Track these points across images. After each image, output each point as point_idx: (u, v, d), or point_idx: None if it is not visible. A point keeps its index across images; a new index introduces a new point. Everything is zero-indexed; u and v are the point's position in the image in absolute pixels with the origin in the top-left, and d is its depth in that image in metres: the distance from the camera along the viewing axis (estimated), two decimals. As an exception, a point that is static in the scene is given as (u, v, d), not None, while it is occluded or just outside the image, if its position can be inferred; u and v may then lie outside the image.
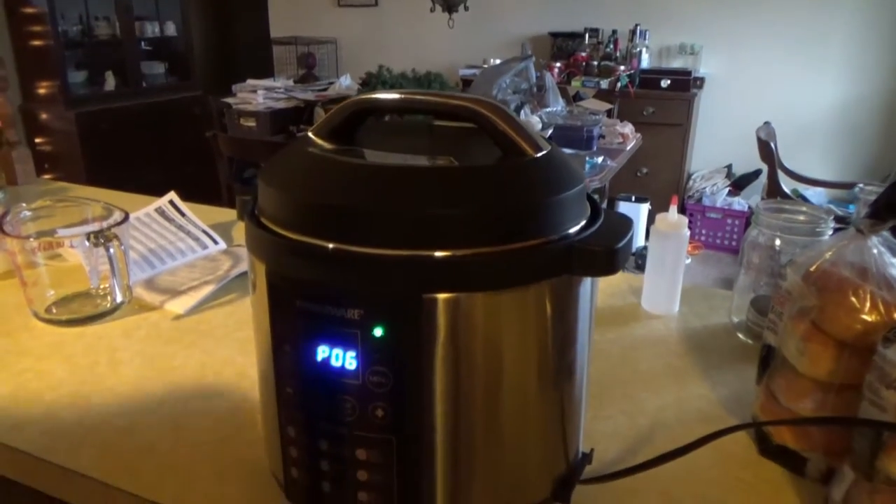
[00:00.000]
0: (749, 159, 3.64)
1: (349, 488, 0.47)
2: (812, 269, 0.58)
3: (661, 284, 0.90)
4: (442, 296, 0.42)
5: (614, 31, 3.95)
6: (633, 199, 3.25)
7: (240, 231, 1.15)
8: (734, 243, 3.66)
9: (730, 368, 0.77)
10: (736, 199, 3.79)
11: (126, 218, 0.88)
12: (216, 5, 5.38)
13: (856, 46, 3.59)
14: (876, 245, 0.55)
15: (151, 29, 4.36)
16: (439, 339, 0.43)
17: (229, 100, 3.18)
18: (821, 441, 0.58)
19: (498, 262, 0.43)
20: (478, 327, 0.44)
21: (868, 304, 0.53)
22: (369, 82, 2.74)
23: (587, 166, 2.36)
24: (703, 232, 3.74)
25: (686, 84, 3.69)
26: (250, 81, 3.24)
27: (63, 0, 3.76)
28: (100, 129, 3.76)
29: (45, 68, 3.72)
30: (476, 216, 0.42)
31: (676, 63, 3.96)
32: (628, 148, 2.82)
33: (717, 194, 3.82)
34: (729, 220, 3.69)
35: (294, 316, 0.43)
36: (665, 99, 3.71)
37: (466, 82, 3.89)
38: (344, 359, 0.43)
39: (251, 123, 3.04)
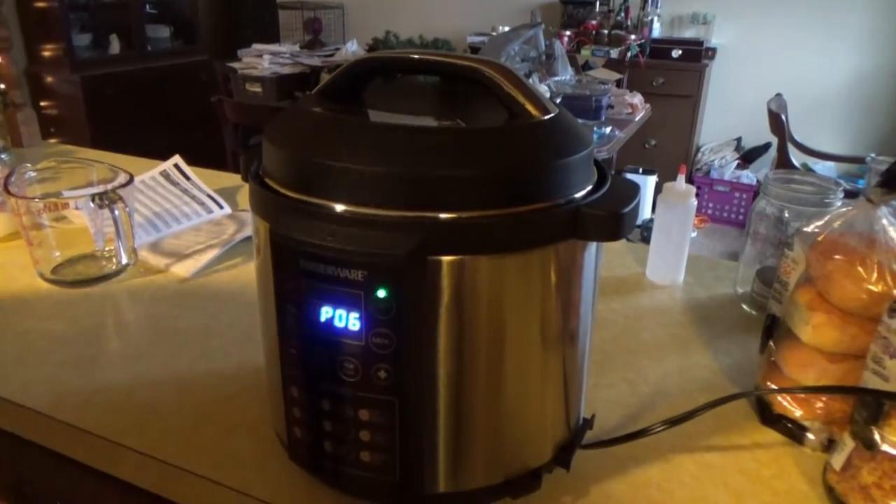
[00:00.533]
0: (759, 132, 3.60)
1: (351, 448, 0.47)
2: (820, 238, 0.58)
3: (666, 254, 0.89)
4: (446, 258, 0.42)
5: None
6: (641, 171, 3.22)
7: (244, 196, 1.15)
8: (741, 217, 3.64)
9: (733, 339, 0.77)
10: (744, 172, 3.76)
11: (131, 180, 0.88)
12: (222, -32, 5.29)
13: (873, 17, 3.51)
14: (885, 215, 0.55)
15: (156, -9, 4.30)
16: (443, 302, 0.43)
17: (235, 65, 3.15)
18: (822, 410, 0.58)
19: (503, 225, 0.42)
20: (481, 291, 0.44)
21: (875, 275, 0.53)
22: (376, 48, 2.71)
23: (595, 136, 2.34)
24: (711, 205, 3.71)
25: (697, 54, 3.63)
26: (256, 46, 3.21)
27: (67, -39, 3.71)
28: (105, 93, 3.74)
29: (49, 31, 3.68)
30: (482, 178, 0.42)
31: (688, 33, 3.88)
32: (637, 119, 2.79)
33: (726, 167, 3.78)
34: (737, 194, 3.66)
35: (297, 276, 0.43)
36: (676, 69, 3.65)
37: (474, 50, 3.83)
38: (347, 320, 0.43)
39: (257, 89, 3.01)
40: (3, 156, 1.17)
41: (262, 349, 0.55)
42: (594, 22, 3.87)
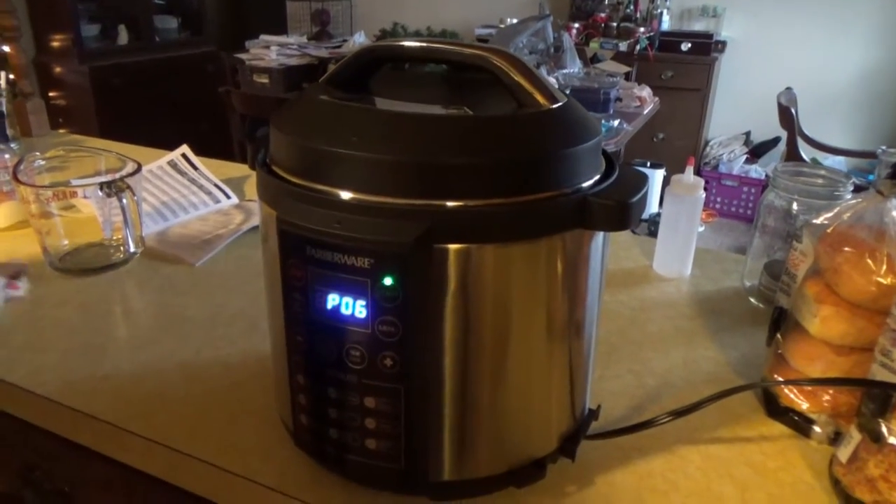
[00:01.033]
0: (768, 127, 3.57)
1: (357, 436, 0.47)
2: (829, 230, 0.57)
3: (673, 247, 0.89)
4: (453, 246, 0.42)
5: (635, -8, 3.85)
6: (649, 164, 3.20)
7: (252, 186, 1.15)
8: (749, 212, 3.62)
9: (740, 332, 0.77)
10: (753, 166, 3.74)
11: (139, 169, 0.88)
12: (230, -41, 5.28)
13: (884, 11, 3.48)
14: (896, 207, 0.54)
15: (164, -18, 4.30)
16: (449, 290, 0.43)
17: (242, 56, 3.15)
18: (829, 403, 0.58)
19: (510, 213, 0.42)
20: (488, 279, 0.44)
21: (884, 267, 0.53)
22: (384, 40, 2.70)
23: (602, 129, 2.33)
24: (719, 200, 3.70)
25: (707, 48, 3.60)
26: (263, 37, 3.20)
27: (75, -49, 3.71)
28: (113, 83, 3.74)
29: (58, 21, 3.69)
30: (489, 166, 0.42)
31: (698, 26, 3.86)
32: (645, 112, 2.77)
33: (734, 162, 3.76)
34: (745, 188, 3.64)
35: (304, 264, 0.43)
36: (685, 63, 3.63)
37: (482, 42, 3.82)
38: (354, 307, 0.43)
39: (264, 80, 3.01)
40: (12, 145, 1.18)
41: (269, 337, 0.55)
42: (603, 14, 3.85)
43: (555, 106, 0.45)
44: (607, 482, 0.55)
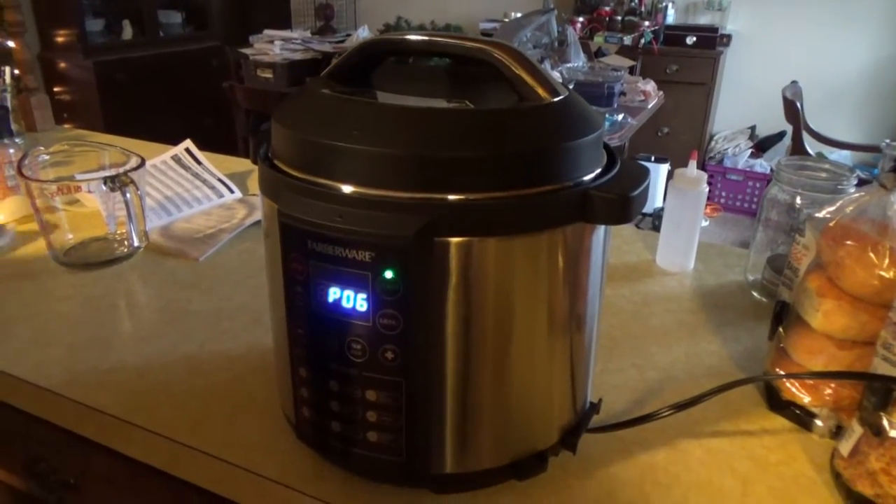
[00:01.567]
0: (773, 121, 3.56)
1: (359, 428, 0.48)
2: (831, 223, 0.57)
3: (676, 241, 0.89)
4: (454, 240, 0.42)
5: (640, -15, 3.83)
6: (653, 158, 3.19)
7: (255, 181, 1.15)
8: (754, 206, 3.61)
9: (743, 326, 0.77)
10: (758, 161, 3.72)
11: (142, 163, 0.88)
12: (233, -47, 5.27)
13: (890, 4, 3.45)
14: (899, 201, 0.54)
15: (168, -24, 4.30)
16: (450, 284, 0.43)
17: (246, 50, 3.15)
18: (830, 397, 0.58)
19: (511, 207, 0.42)
20: (489, 273, 0.44)
21: (887, 261, 0.52)
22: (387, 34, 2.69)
23: (607, 123, 2.33)
24: (724, 194, 3.68)
25: (712, 41, 3.59)
26: (267, 32, 3.20)
27: (79, -54, 3.71)
28: (117, 78, 3.75)
29: (62, 16, 3.69)
30: (490, 160, 0.42)
31: (703, 19, 3.84)
32: (650, 106, 2.76)
33: (739, 156, 3.74)
34: (750, 183, 3.63)
35: (306, 257, 0.44)
36: (690, 56, 3.61)
37: (486, 36, 3.81)
38: (355, 301, 0.43)
39: (268, 75, 3.01)
40: (16, 140, 1.18)
41: (271, 331, 0.55)
42: (607, 8, 3.83)
43: (556, 99, 0.45)
44: (609, 475, 0.55)
